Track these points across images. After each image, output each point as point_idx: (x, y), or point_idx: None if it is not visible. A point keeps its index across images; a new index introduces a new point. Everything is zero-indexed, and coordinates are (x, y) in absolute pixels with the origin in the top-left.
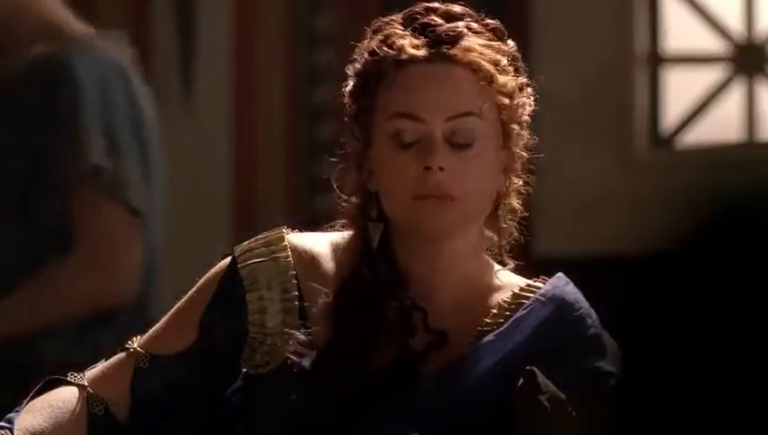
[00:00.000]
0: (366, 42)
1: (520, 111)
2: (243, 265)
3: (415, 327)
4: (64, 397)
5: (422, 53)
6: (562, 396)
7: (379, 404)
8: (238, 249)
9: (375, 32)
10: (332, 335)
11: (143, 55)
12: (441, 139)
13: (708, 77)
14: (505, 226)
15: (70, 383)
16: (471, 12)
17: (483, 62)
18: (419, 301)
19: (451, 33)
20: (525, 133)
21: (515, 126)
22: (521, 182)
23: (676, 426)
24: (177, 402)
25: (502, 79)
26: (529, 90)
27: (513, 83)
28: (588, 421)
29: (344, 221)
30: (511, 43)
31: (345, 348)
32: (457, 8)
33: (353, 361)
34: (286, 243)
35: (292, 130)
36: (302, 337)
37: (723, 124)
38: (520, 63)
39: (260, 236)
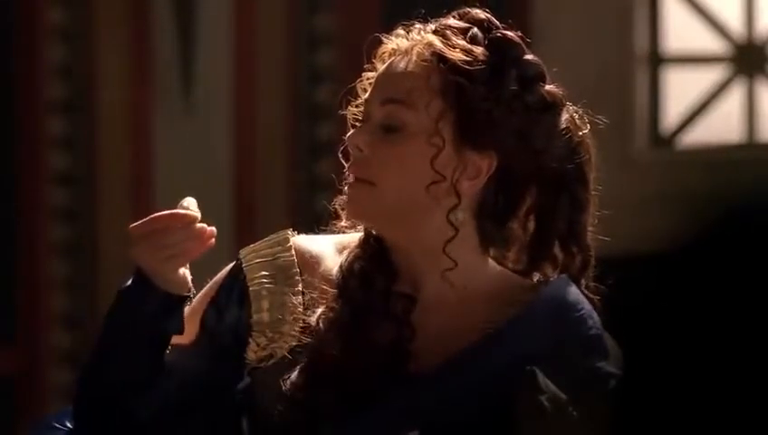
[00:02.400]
0: None
1: (481, 116)
2: (247, 264)
3: (407, 318)
4: None
5: (390, 46)
6: (563, 396)
7: (376, 399)
8: (244, 251)
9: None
10: (328, 328)
11: (143, 55)
12: (377, 121)
13: (708, 77)
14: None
15: None
16: (490, 21)
17: (435, 60)
18: (410, 293)
19: (422, 30)
20: (497, 142)
21: (468, 127)
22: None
23: (677, 426)
24: (187, 398)
25: (462, 82)
26: (526, 100)
27: (472, 87)
28: (589, 422)
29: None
30: (517, 55)
31: (344, 344)
32: (482, 15)
33: (352, 356)
34: (291, 244)
35: (292, 129)
36: (303, 326)
37: (723, 124)
38: (500, 72)
39: (266, 238)
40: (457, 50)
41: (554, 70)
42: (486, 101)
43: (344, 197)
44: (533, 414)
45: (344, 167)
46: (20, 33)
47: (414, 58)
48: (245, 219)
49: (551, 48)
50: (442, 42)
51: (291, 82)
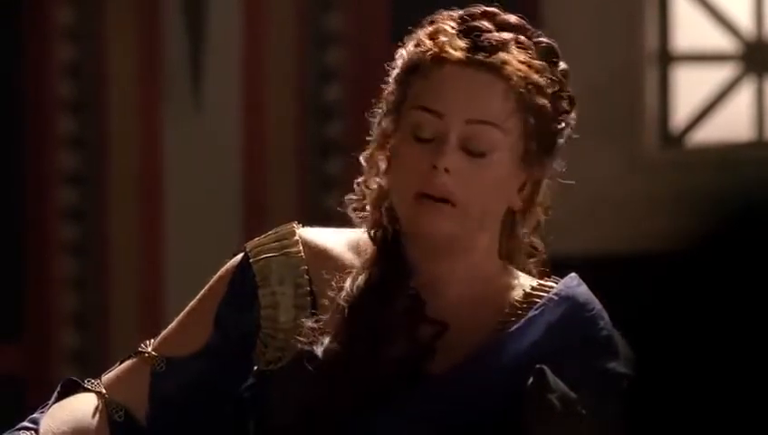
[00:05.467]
0: (420, 30)
1: (550, 136)
2: (255, 259)
3: (417, 316)
4: (85, 404)
5: (459, 54)
6: (573, 395)
7: (390, 400)
8: (250, 245)
9: (430, 23)
10: (343, 329)
11: (152, 55)
12: (456, 140)
13: (718, 75)
14: (527, 240)
15: (87, 389)
16: (526, 25)
17: (516, 77)
18: (425, 295)
19: (494, 42)
20: (553, 159)
21: (538, 147)
22: (545, 200)
23: (685, 427)
24: (194, 402)
25: (534, 99)
26: (571, 116)
27: (548, 106)
28: (599, 422)
29: (360, 214)
30: (562, 65)
31: (355, 342)
32: (513, 19)
33: (363, 355)
34: (297, 237)
35: (301, 128)
36: (315, 326)
37: (733, 122)
38: (564, 88)
39: (271, 232)
40: (526, 67)
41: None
42: (552, 123)
43: (420, 213)
44: (543, 413)
45: (353, 166)
46: (29, 32)
47: (491, 76)
48: (255, 218)
49: (560, 47)
50: (515, 59)
51: (300, 80)
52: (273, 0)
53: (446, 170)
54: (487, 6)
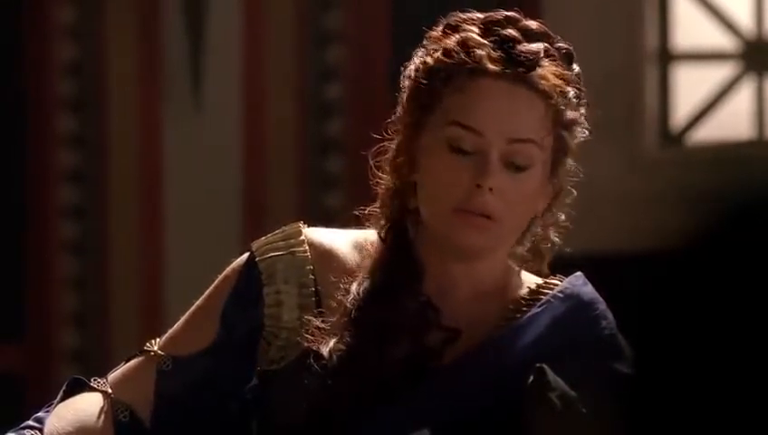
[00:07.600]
0: (438, 33)
1: (574, 143)
2: (261, 258)
3: (429, 324)
4: (90, 404)
5: (499, 68)
6: (573, 394)
7: (393, 398)
8: (256, 244)
9: (451, 28)
10: (349, 330)
11: (153, 54)
12: (498, 158)
13: (718, 74)
14: (544, 245)
15: (93, 389)
16: (548, 31)
17: (554, 93)
18: (434, 297)
19: (530, 55)
20: (572, 164)
21: (567, 158)
22: (562, 216)
23: (685, 426)
24: (199, 401)
25: (568, 114)
26: (584, 120)
27: (576, 118)
28: (600, 421)
29: (375, 209)
30: (576, 68)
31: (361, 343)
32: (535, 25)
33: (368, 355)
34: (303, 237)
35: (301, 128)
36: (321, 326)
37: (733, 121)
38: (581, 92)
39: (278, 231)
40: (562, 81)
41: None
42: (578, 131)
43: (459, 228)
44: (543, 411)
45: (353, 165)
46: (29, 32)
47: (529, 92)
48: (255, 218)
49: None
50: (550, 72)
51: (300, 80)
52: (273, 0)
53: (490, 189)
54: (506, 11)
